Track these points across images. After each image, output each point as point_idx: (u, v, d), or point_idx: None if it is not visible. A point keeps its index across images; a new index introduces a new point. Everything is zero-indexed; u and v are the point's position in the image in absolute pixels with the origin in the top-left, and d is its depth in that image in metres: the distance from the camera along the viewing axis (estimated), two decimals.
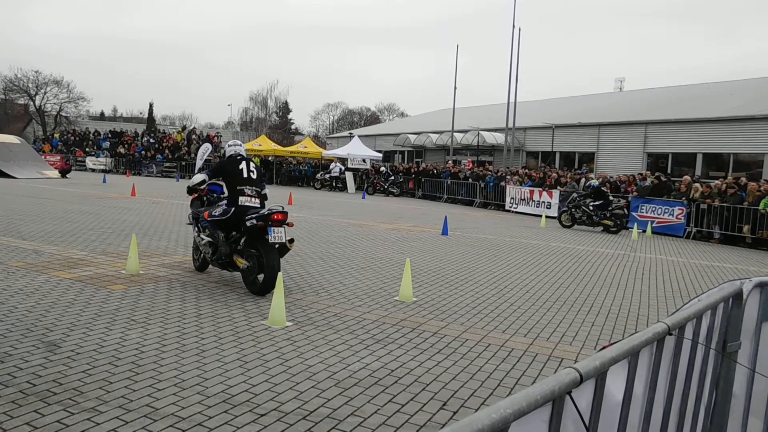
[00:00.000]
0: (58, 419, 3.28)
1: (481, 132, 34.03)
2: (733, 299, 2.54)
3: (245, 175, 6.78)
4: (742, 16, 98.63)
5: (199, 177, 7.31)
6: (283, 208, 6.49)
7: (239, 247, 6.63)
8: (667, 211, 17.12)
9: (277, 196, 23.55)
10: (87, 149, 40.42)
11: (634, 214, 17.76)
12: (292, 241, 6.66)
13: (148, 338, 4.79)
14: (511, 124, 30.52)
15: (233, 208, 6.61)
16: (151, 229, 11.53)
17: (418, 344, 5.07)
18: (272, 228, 6.33)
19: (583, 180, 21.16)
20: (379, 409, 3.69)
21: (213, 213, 6.85)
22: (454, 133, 34.50)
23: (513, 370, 4.60)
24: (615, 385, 1.75)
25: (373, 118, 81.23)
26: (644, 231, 16.65)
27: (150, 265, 7.78)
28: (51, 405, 3.45)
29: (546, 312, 6.53)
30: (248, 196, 6.69)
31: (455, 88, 34.64)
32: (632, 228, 16.33)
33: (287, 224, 6.51)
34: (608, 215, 16.47)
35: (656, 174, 19.74)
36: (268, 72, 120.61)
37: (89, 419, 3.30)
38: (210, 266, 7.27)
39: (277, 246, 6.42)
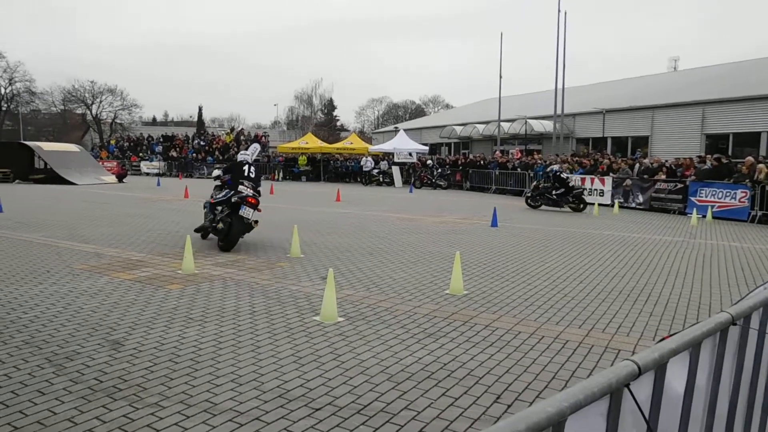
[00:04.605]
0: (124, 414, 3.42)
1: (528, 120, 33.42)
2: None
3: (246, 174, 9.42)
4: None
5: (216, 173, 10.19)
6: (256, 196, 9.15)
7: (221, 215, 9.14)
8: (728, 194, 16.38)
9: (325, 193, 23.85)
10: (141, 154, 41.87)
11: (692, 198, 17.09)
12: (256, 222, 9.36)
13: (205, 335, 4.93)
14: (559, 111, 29.85)
15: (233, 192, 9.14)
16: None
17: (470, 337, 5.04)
18: (244, 206, 8.98)
19: (637, 165, 20.50)
20: (432, 403, 3.69)
21: (216, 197, 9.42)
22: (501, 123, 34.01)
23: (568, 362, 4.50)
24: (676, 377, 1.69)
25: (417, 111, 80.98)
26: (704, 216, 16.01)
27: (204, 265, 8.00)
28: (117, 400, 3.60)
29: (601, 302, 6.37)
30: (245, 186, 9.20)
31: (500, 76, 34.09)
32: (691, 213, 15.73)
33: (257, 209, 9.14)
34: (571, 200, 17.36)
35: (716, 156, 18.90)
36: (312, 70, 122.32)
37: (153, 414, 3.43)
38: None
39: (246, 221, 9.08)
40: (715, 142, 26.92)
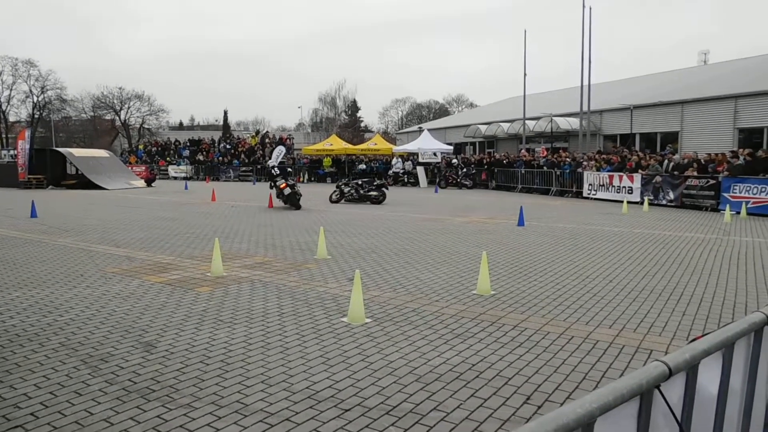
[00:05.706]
0: (157, 414, 3.49)
1: (554, 118, 33.05)
2: None
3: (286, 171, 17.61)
4: None
5: (275, 171, 17.91)
6: (287, 183, 17.00)
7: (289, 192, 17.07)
8: (764, 190, 15.95)
9: None
10: (168, 158, 42.52)
11: (725, 195, 16.69)
12: (290, 190, 17.07)
13: (235, 337, 5.00)
14: (585, 108, 29.45)
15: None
16: (232, 232, 12.02)
17: (498, 338, 5.02)
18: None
19: (666, 161, 20.12)
20: (461, 404, 3.68)
21: (278, 183, 17.47)
22: (526, 121, 33.69)
23: (599, 362, 4.45)
24: (709, 378, 1.66)
25: (441, 111, 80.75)
26: (738, 213, 15.63)
27: (233, 267, 8.11)
28: (150, 401, 3.68)
29: (632, 302, 6.27)
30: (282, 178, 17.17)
31: (525, 74, 33.73)
32: (724, 210, 15.37)
33: (289, 187, 16.74)
34: (374, 189, 19.71)
35: (749, 150, 18.43)
36: (336, 72, 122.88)
37: (185, 415, 3.50)
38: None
39: (288, 193, 16.86)
40: (748, 137, 26.24)
